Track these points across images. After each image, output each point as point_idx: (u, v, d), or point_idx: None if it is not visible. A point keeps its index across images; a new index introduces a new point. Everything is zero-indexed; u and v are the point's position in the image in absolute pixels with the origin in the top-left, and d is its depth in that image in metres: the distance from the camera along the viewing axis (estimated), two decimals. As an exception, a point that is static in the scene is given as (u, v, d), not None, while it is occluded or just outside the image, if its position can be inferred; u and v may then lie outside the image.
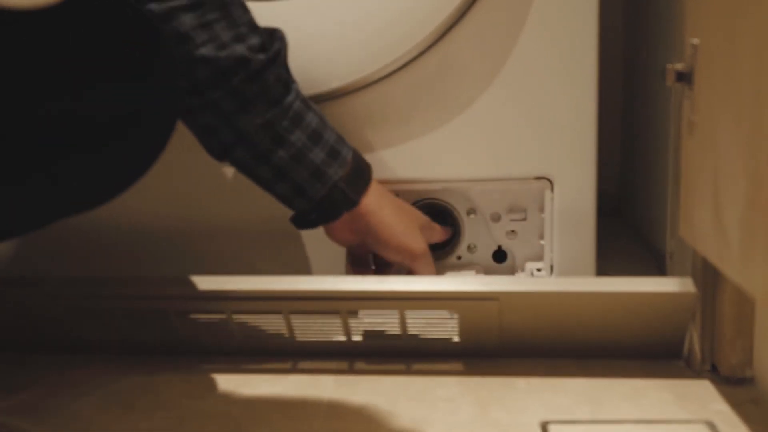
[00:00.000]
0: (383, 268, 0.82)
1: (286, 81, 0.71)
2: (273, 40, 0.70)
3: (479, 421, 0.66)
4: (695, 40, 0.64)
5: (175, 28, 0.64)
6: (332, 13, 0.77)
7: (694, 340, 0.72)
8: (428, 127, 0.81)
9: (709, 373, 0.72)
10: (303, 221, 0.76)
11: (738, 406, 0.67)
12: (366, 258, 0.82)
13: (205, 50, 0.65)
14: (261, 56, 0.68)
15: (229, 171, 0.83)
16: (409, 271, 0.82)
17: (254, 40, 0.68)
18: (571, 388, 0.71)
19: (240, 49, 0.66)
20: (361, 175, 0.75)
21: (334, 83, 0.78)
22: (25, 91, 0.57)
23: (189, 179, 0.84)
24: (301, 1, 0.77)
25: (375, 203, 0.75)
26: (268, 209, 0.84)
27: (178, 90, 0.65)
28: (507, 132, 0.80)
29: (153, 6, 0.63)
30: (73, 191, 0.62)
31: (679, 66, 0.66)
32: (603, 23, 0.79)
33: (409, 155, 0.80)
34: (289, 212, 0.83)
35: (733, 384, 0.70)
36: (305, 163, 0.71)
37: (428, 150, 0.81)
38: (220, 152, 0.72)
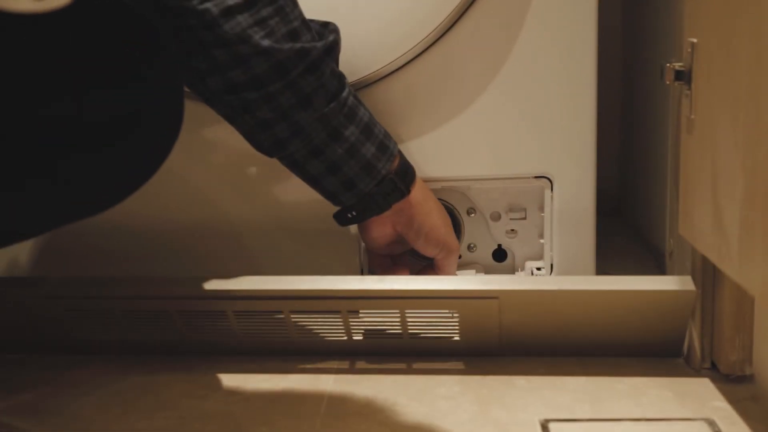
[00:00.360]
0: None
1: (340, 75, 0.72)
2: (326, 31, 0.71)
3: (480, 420, 0.67)
4: (694, 39, 0.64)
5: (232, 27, 0.64)
6: (331, 14, 0.77)
7: (693, 337, 0.72)
8: (428, 126, 0.81)
9: (709, 371, 0.72)
10: (346, 217, 0.76)
11: (738, 403, 0.67)
12: (387, 262, 0.82)
13: (265, 44, 0.65)
14: (318, 45, 0.68)
15: (233, 171, 0.83)
16: (421, 271, 0.82)
17: (308, 35, 0.68)
18: (571, 386, 0.71)
19: (297, 43, 0.67)
20: (407, 168, 0.76)
21: (334, 83, 0.78)
22: (26, 92, 0.57)
23: (189, 180, 0.84)
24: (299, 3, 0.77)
25: (421, 195, 0.77)
26: (270, 209, 0.84)
27: (179, 91, 0.65)
28: (507, 131, 0.81)
29: (209, 5, 0.64)
30: (76, 194, 0.62)
31: (677, 65, 0.66)
32: (602, 23, 0.79)
33: (409, 155, 0.80)
34: (287, 212, 0.84)
35: (732, 381, 0.70)
36: (357, 158, 0.72)
37: (428, 149, 0.81)
38: (273, 147, 0.72)
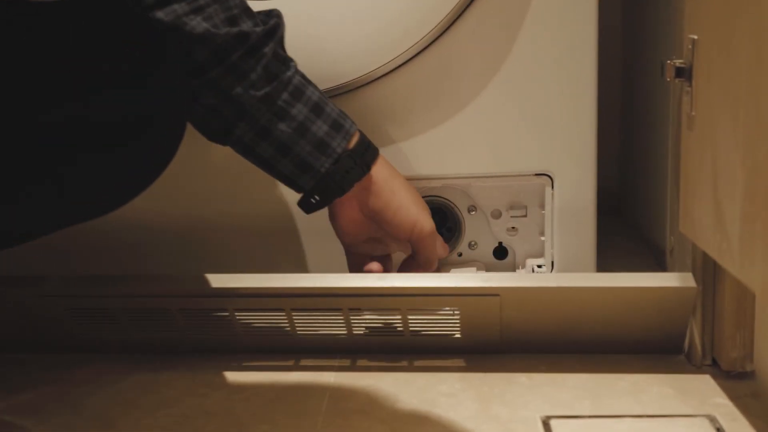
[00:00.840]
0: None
1: (284, 58, 0.71)
2: (269, 17, 0.70)
3: (481, 417, 0.67)
4: (694, 36, 0.64)
5: (167, 14, 0.64)
6: (331, 11, 0.78)
7: (694, 334, 0.72)
8: (428, 124, 0.81)
9: (710, 368, 0.72)
10: (310, 203, 0.75)
11: (738, 399, 0.67)
12: (365, 261, 0.81)
13: (200, 29, 0.65)
14: (258, 29, 0.67)
15: (234, 169, 0.84)
16: (405, 263, 0.81)
17: (248, 22, 0.68)
18: (572, 383, 0.71)
19: (235, 28, 0.66)
20: (368, 147, 0.74)
21: (334, 81, 0.78)
22: (30, 95, 0.57)
23: (191, 178, 0.84)
24: (300, 0, 0.77)
25: (385, 173, 0.75)
26: (271, 207, 0.84)
27: (184, 93, 0.65)
28: (507, 128, 0.81)
29: None
30: (82, 196, 0.62)
31: (678, 62, 0.67)
32: (602, 22, 0.79)
33: (410, 152, 0.81)
34: (288, 210, 0.84)
35: (733, 378, 0.70)
36: (308, 137, 0.71)
37: (428, 147, 0.81)
38: (221, 133, 0.71)
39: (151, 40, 0.61)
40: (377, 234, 0.78)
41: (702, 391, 0.69)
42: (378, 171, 0.74)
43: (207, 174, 0.84)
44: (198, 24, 0.65)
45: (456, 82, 0.80)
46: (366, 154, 0.74)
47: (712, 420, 0.65)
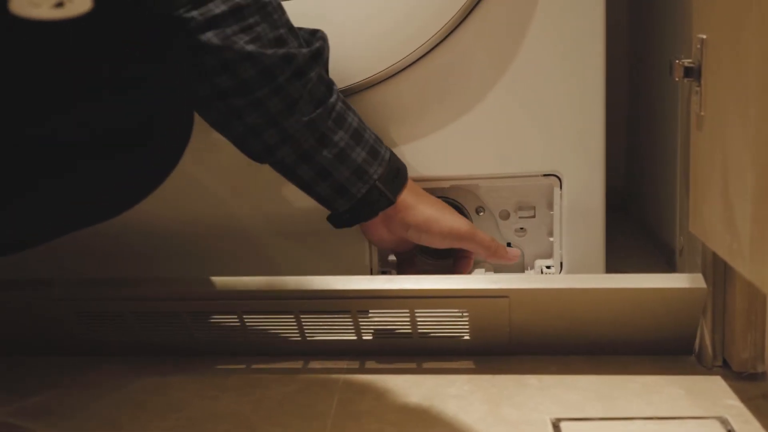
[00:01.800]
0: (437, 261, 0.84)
1: (328, 82, 0.72)
2: (314, 39, 0.72)
3: (490, 419, 0.66)
4: (703, 35, 0.64)
5: (217, 34, 0.64)
6: (338, 12, 0.78)
7: (705, 335, 0.72)
8: (436, 125, 0.81)
9: (721, 369, 0.72)
10: (340, 220, 0.77)
11: (750, 401, 0.67)
12: (412, 259, 0.83)
13: (249, 49, 0.65)
14: (304, 51, 0.69)
15: (241, 172, 0.84)
16: (457, 260, 0.82)
17: (295, 42, 0.69)
18: (582, 385, 0.71)
19: (282, 49, 0.67)
20: (397, 174, 0.76)
21: (342, 83, 0.78)
22: (33, 99, 0.57)
23: (199, 180, 0.84)
24: (306, 2, 0.77)
25: (411, 199, 0.76)
26: (279, 210, 0.84)
27: (190, 99, 0.65)
28: (515, 129, 0.80)
29: (194, 14, 0.64)
30: (85, 201, 0.62)
31: (686, 61, 0.66)
32: (608, 20, 0.79)
33: (417, 153, 0.80)
34: (296, 213, 0.84)
35: (744, 379, 0.70)
36: (348, 163, 0.72)
37: (436, 148, 0.81)
38: (263, 153, 0.72)
39: (153, 42, 0.61)
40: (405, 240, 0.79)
41: (713, 393, 0.69)
42: (404, 199, 0.76)
43: (214, 178, 0.84)
44: (247, 44, 0.65)
45: (463, 82, 0.80)
46: (395, 181, 0.75)
47: (724, 422, 0.64)
